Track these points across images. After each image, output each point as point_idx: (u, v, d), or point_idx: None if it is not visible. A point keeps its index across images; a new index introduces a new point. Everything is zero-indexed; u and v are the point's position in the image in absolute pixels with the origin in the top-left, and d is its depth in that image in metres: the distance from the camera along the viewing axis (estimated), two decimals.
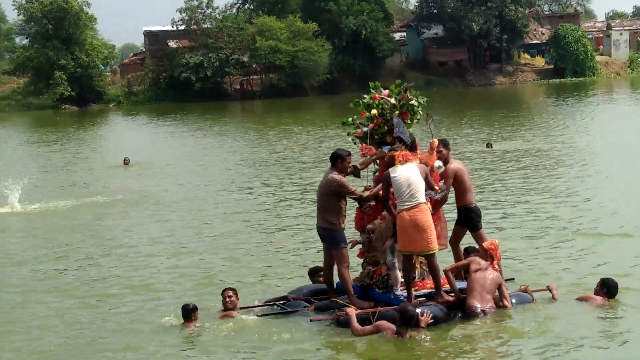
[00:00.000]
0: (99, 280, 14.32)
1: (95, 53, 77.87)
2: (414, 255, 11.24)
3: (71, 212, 21.46)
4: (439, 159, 11.61)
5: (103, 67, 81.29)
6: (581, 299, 11.72)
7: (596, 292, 11.68)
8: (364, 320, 10.78)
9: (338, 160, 11.41)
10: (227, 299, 11.61)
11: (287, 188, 23.96)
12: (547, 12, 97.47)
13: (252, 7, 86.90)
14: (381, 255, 11.52)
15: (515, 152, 29.29)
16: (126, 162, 30.67)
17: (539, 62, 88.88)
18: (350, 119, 12.26)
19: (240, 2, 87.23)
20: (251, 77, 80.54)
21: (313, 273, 12.60)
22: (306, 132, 41.84)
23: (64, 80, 74.01)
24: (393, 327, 10.44)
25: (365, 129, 12.06)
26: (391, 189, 11.23)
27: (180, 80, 76.34)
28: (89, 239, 17.80)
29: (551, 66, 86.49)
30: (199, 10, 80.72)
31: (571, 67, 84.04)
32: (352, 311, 10.84)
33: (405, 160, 11.27)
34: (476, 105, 57.61)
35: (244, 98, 77.57)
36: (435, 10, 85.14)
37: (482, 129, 38.73)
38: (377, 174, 12.03)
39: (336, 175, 11.31)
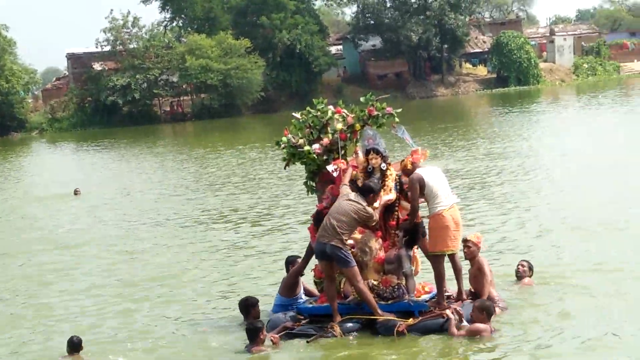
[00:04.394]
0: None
1: (16, 79, 74.90)
2: (444, 255, 11.61)
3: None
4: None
5: (24, 94, 78.43)
6: (523, 284, 12.88)
7: (522, 275, 12.94)
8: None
9: (370, 193, 11.76)
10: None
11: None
12: (488, 20, 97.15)
13: (180, 24, 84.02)
14: (375, 269, 11.73)
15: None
16: (77, 192, 29.43)
17: (482, 71, 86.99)
18: (284, 139, 12.47)
19: (167, 20, 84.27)
20: (182, 98, 77.64)
21: (290, 262, 12.89)
22: (240, 152, 39.83)
23: None
24: (488, 327, 10.95)
25: (315, 146, 12.26)
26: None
27: (107, 104, 73.73)
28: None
29: (494, 75, 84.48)
30: (125, 30, 78.01)
31: (514, 75, 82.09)
32: (450, 314, 11.15)
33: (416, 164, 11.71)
34: (416, 118, 54.64)
35: (174, 120, 75.05)
36: (372, 21, 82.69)
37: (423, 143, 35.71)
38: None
39: (369, 208, 11.67)
